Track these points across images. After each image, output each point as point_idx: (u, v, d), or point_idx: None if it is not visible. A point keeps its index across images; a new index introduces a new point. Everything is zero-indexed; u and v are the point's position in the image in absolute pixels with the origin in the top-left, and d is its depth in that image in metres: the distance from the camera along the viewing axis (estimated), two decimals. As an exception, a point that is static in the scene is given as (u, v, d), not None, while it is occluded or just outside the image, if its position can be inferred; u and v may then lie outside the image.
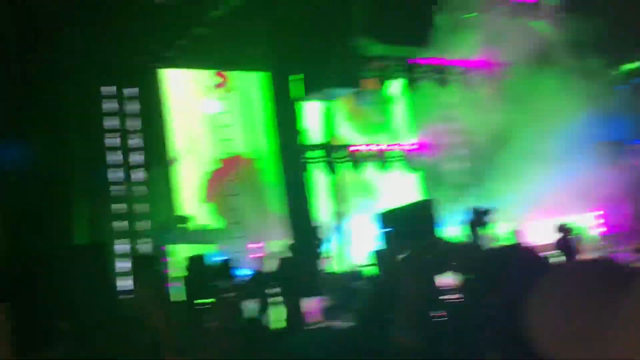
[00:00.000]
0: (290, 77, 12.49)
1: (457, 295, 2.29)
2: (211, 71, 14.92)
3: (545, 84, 18.47)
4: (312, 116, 14.65)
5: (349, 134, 16.36)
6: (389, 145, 17.19)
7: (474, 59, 17.18)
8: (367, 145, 16.47)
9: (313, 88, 12.72)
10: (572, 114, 18.76)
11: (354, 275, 12.41)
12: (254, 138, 15.08)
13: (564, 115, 18.73)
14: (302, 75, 12.55)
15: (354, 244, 14.09)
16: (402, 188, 17.38)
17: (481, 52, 17.47)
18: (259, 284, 11.54)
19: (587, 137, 19.04)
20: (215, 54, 13.96)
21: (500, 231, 15.17)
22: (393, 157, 17.32)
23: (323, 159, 15.02)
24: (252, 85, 15.00)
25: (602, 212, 20.30)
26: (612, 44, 20.86)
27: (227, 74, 15.17)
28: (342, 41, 12.61)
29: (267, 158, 14.73)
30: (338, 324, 8.80)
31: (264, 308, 11.39)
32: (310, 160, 14.57)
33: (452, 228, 16.32)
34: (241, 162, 15.12)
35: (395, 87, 16.09)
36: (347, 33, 12.59)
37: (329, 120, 15.20)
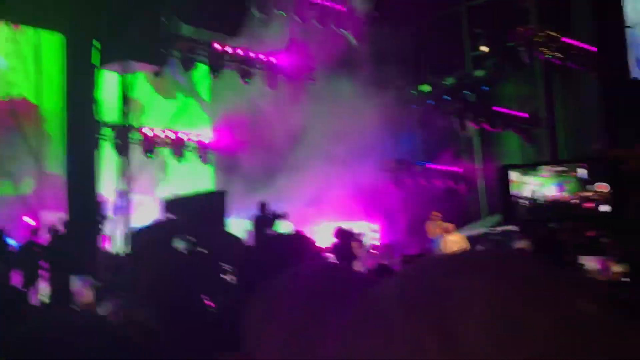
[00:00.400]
0: (94, 43, 11.81)
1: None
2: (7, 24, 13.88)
3: (345, 92, 19.16)
4: (109, 89, 13.99)
5: (145, 114, 15.84)
6: (184, 133, 16.87)
7: (280, 56, 17.39)
8: (164, 130, 16.04)
9: (111, 57, 12.13)
10: (366, 126, 19.66)
11: (128, 257, 12.12)
12: (47, 96, 14.18)
13: (359, 126, 19.58)
14: (99, 43, 11.91)
15: (134, 226, 13.64)
16: (194, 177, 17.18)
17: (288, 50, 17.74)
18: (29, 256, 10.81)
19: (378, 150, 20.09)
20: (15, 6, 12.98)
21: (285, 229, 15.47)
22: (188, 145, 17.04)
23: (115, 135, 14.38)
24: (50, 44, 14.11)
25: (379, 223, 21.58)
26: (413, 64, 22.23)
27: (24, 27, 14.15)
28: (149, 15, 12.17)
29: (57, 117, 13.88)
30: (107, 303, 8.46)
31: (30, 281, 10.68)
32: (102, 136, 13.89)
33: (240, 221, 16.43)
34: (26, 107, 14.14)
35: (199, 73, 15.85)
36: (156, 8, 12.17)
37: (125, 97, 14.58)
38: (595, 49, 19.32)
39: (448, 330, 0.65)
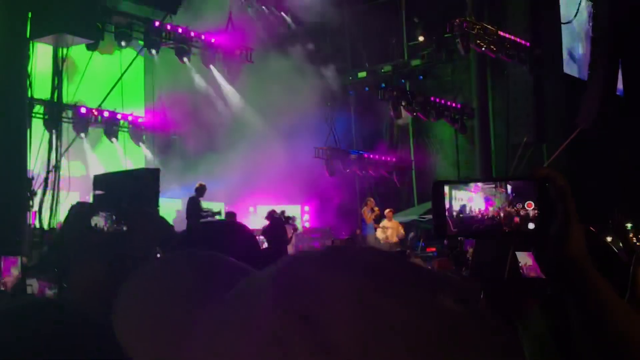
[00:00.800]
0: (28, 14, 11.37)
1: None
2: None
3: (282, 74, 19.12)
4: (42, 63, 13.53)
5: (79, 90, 15.39)
6: (118, 112, 16.49)
7: (219, 35, 17.18)
8: (97, 109, 15.63)
9: (44, 30, 11.69)
10: (303, 110, 19.70)
11: (58, 233, 11.80)
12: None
13: (296, 109, 19.59)
14: (29, 13, 11.46)
15: (64, 202, 13.30)
16: (127, 156, 16.86)
17: (227, 29, 17.55)
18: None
19: (314, 135, 20.19)
20: None
21: (216, 209, 15.39)
22: (122, 125, 16.68)
23: (47, 111, 13.94)
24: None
25: (312, 207, 21.74)
26: (351, 50, 22.34)
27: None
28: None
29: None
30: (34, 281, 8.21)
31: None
32: (33, 113, 13.42)
33: (173, 201, 16.23)
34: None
35: (138, 50, 15.51)
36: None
37: (58, 72, 14.12)
38: (529, 44, 19.82)
39: (313, 325, 0.65)
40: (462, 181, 1.39)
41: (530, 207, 1.25)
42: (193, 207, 13.92)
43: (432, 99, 20.83)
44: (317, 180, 20.57)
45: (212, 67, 17.19)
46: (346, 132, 22.46)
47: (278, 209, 16.75)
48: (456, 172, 22.42)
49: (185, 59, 16.41)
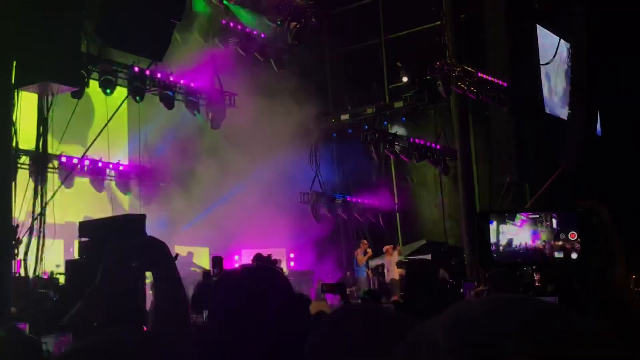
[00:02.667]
0: (13, 62, 11.43)
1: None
2: None
3: (266, 119, 19.28)
4: (26, 112, 13.59)
5: (64, 139, 15.43)
6: (102, 161, 16.50)
7: (201, 81, 17.34)
8: (82, 158, 15.63)
9: (28, 78, 11.75)
10: (287, 155, 19.87)
11: (44, 282, 11.68)
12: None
13: (280, 154, 19.75)
14: (14, 61, 11.51)
15: (48, 251, 13.23)
16: (110, 204, 16.84)
17: (211, 78, 17.73)
18: None
19: (298, 180, 20.32)
20: None
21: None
22: (107, 174, 16.68)
23: (31, 162, 13.95)
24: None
25: (293, 254, 21.75)
26: (334, 94, 22.62)
27: None
28: (70, 35, 11.91)
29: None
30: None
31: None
32: (19, 164, 13.41)
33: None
34: None
35: (119, 97, 15.61)
36: (77, 28, 11.91)
37: (43, 120, 14.19)
38: (506, 85, 20.16)
39: None
40: (507, 211, 1.52)
41: (573, 237, 1.32)
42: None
43: (414, 140, 21.05)
44: (302, 225, 20.63)
45: (194, 112, 17.30)
46: (330, 176, 22.61)
47: (264, 253, 16.78)
48: (440, 213, 22.55)
49: (169, 105, 16.50)
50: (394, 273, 18.36)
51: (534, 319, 0.97)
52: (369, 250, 18.08)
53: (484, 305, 1.01)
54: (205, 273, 14.59)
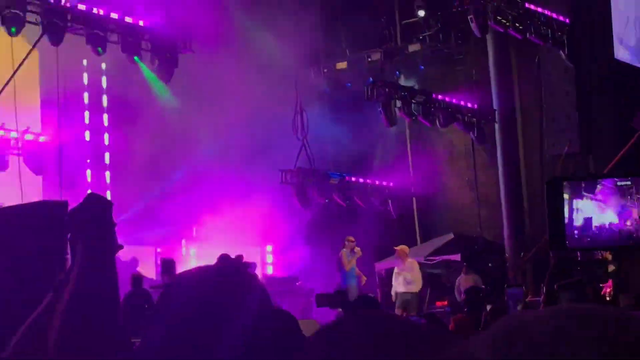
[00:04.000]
0: None
1: None
2: None
3: (231, 74, 19.18)
4: None
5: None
6: (4, 128, 16.30)
7: (147, 17, 17.16)
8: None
9: None
10: (260, 122, 19.80)
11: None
12: None
13: (251, 122, 19.68)
14: None
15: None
16: (20, 188, 16.68)
17: (158, 11, 17.53)
18: None
19: (277, 155, 20.30)
20: None
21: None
22: (12, 146, 16.51)
23: None
24: None
25: (272, 247, 21.80)
26: (325, 35, 22.50)
27: None
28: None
29: None
30: None
31: None
32: None
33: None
34: None
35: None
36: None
37: None
38: (568, 20, 20.03)
39: None
40: (585, 178, 1.42)
41: None
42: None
43: (438, 96, 20.92)
44: (284, 214, 20.60)
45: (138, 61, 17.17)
46: (323, 147, 22.46)
47: (233, 252, 16.64)
48: (474, 195, 22.55)
49: (99, 49, 16.32)
50: (411, 283, 18.29)
51: (628, 343, 0.95)
52: (357, 249, 18.25)
53: (550, 319, 1.00)
54: (135, 279, 14.47)
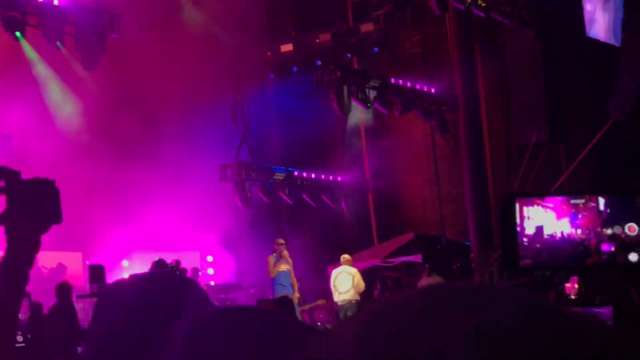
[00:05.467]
0: None
1: None
2: None
3: (163, 55, 19.29)
4: None
5: None
6: None
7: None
8: None
9: None
10: (197, 114, 19.93)
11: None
12: None
13: (187, 113, 19.82)
14: None
15: None
16: None
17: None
18: None
19: (216, 149, 20.35)
20: None
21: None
22: None
23: None
24: None
25: (212, 257, 21.91)
26: (269, 15, 22.54)
27: None
28: None
29: None
30: None
31: None
32: None
33: None
34: None
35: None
36: None
37: None
38: None
39: None
40: (538, 195, 1.73)
41: (633, 231, 1.56)
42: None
43: (394, 81, 21.14)
44: (224, 215, 20.73)
45: (60, 46, 17.27)
46: (266, 140, 22.59)
47: (169, 258, 16.96)
48: (435, 190, 22.76)
49: (17, 34, 16.49)
50: (350, 290, 18.35)
51: (508, 324, 0.92)
52: (286, 252, 18.03)
53: (414, 302, 0.97)
54: (61, 288, 14.16)
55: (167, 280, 2.11)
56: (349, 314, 17.98)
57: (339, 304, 18.40)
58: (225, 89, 20.81)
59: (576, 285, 14.14)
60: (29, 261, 2.47)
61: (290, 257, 18.46)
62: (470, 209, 20.84)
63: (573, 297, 13.83)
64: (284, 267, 18.19)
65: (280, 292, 17.52)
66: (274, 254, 18.30)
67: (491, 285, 1.09)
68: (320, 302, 20.42)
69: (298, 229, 21.55)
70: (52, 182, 2.52)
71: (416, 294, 1.00)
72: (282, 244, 18.39)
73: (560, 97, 20.90)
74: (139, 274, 2.17)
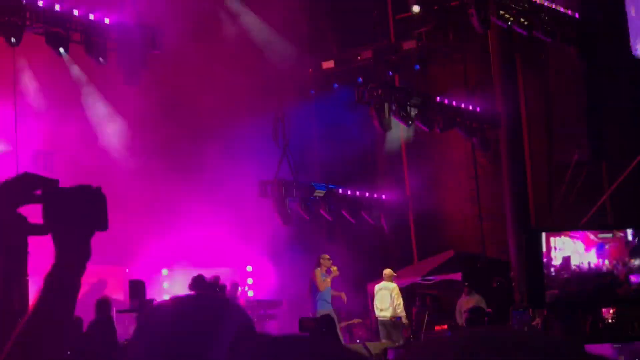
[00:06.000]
0: None
1: None
2: None
3: (206, 74, 19.40)
4: None
5: None
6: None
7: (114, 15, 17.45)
8: None
9: None
10: (238, 130, 19.99)
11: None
12: None
13: (228, 129, 19.88)
14: None
15: None
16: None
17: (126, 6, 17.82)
18: None
19: (256, 165, 20.40)
20: None
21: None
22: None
23: None
24: None
25: (251, 267, 21.94)
26: (311, 32, 22.56)
27: None
28: None
29: None
30: None
31: None
32: None
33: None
34: None
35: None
36: None
37: None
38: (578, 15, 20.11)
39: None
40: (565, 228, 1.76)
41: None
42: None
43: (436, 99, 21.15)
44: (264, 231, 20.77)
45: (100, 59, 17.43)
46: (307, 156, 22.59)
47: (208, 273, 17.01)
48: (476, 208, 22.68)
49: (62, 50, 16.67)
50: (390, 307, 18.35)
51: None
52: (334, 268, 17.98)
53: (452, 344, 1.10)
54: (101, 304, 14.20)
55: (207, 302, 2.13)
56: (388, 331, 18.06)
57: (379, 319, 18.44)
58: (267, 104, 20.80)
59: (611, 310, 14.02)
60: (77, 270, 2.44)
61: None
62: (510, 226, 20.76)
63: (610, 321, 13.72)
64: (329, 281, 18.07)
65: (323, 309, 17.53)
66: (319, 269, 18.10)
67: (522, 332, 1.16)
68: (356, 320, 20.41)
69: (337, 246, 21.47)
70: (97, 189, 2.46)
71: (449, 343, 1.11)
72: (328, 260, 18.23)
73: (603, 115, 20.77)
74: (180, 295, 2.17)
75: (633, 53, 20.23)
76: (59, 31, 16.57)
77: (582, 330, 11.64)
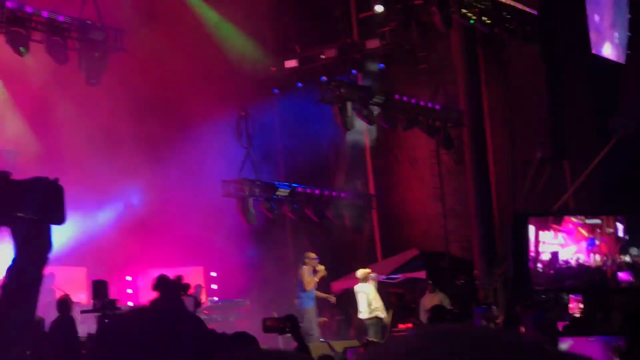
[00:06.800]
0: None
1: None
2: None
3: (168, 70, 19.36)
4: None
5: None
6: None
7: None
8: None
9: None
10: (201, 128, 19.95)
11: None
12: None
13: (190, 126, 19.84)
14: None
15: None
16: None
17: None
18: None
19: (219, 164, 20.40)
20: None
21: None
22: None
23: None
24: None
25: (216, 273, 21.89)
26: (273, 31, 22.55)
27: None
28: None
29: None
30: None
31: None
32: None
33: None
34: None
35: None
36: None
37: None
38: (536, 12, 20.23)
39: None
40: (552, 214, 1.77)
41: None
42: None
43: (398, 97, 21.15)
44: (228, 230, 20.81)
45: (61, 60, 17.33)
46: (270, 155, 22.58)
47: (172, 272, 16.97)
48: (439, 206, 22.74)
49: (21, 49, 16.61)
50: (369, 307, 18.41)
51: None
52: (321, 267, 17.96)
53: (408, 342, 1.13)
54: (62, 303, 14.14)
55: (166, 315, 2.17)
56: (373, 331, 18.14)
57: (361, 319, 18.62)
58: (230, 104, 20.81)
59: (580, 305, 14.17)
60: (38, 262, 2.43)
61: (293, 273, 18.46)
62: (474, 225, 20.93)
63: (577, 315, 13.87)
64: (316, 280, 18.06)
65: (308, 306, 17.72)
66: (306, 267, 18.07)
67: (476, 328, 1.17)
68: (322, 319, 20.44)
69: (302, 245, 21.45)
70: (54, 181, 2.44)
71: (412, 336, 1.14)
72: (314, 259, 18.24)
73: (565, 113, 20.92)
74: (140, 306, 2.25)
75: (592, 51, 20.37)
76: (19, 30, 16.51)
77: (553, 328, 11.71)
